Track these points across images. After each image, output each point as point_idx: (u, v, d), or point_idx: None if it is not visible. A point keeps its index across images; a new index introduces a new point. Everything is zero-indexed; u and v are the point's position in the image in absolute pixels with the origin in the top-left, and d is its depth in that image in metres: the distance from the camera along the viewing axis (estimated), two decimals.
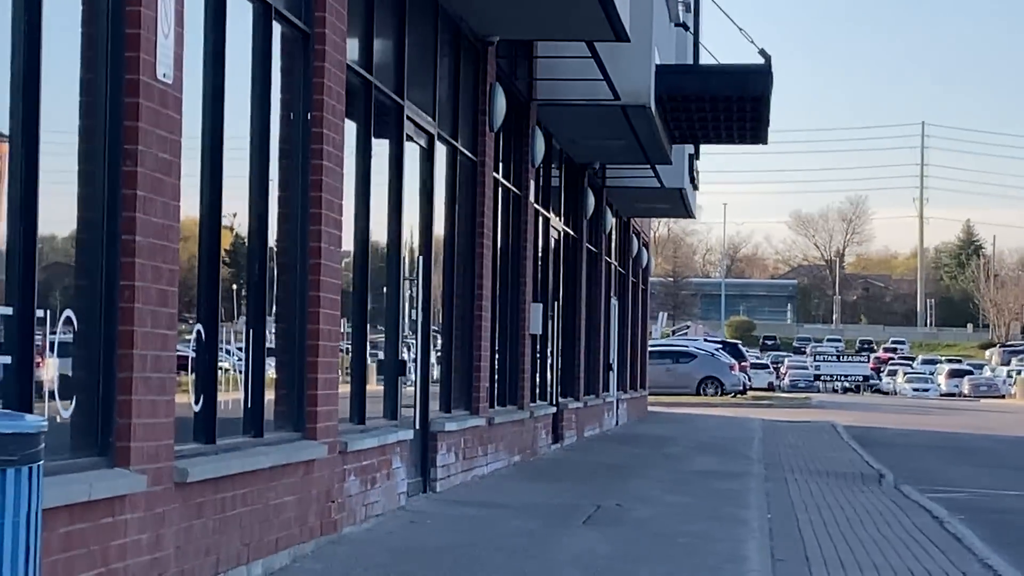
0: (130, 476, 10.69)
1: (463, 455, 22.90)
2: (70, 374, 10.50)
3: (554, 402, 33.20)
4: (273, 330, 14.90)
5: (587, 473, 26.78)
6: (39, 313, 9.75)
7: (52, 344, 10.17)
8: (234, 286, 14.10)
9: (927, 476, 33.58)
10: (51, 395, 10.17)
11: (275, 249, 14.82)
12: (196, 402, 12.70)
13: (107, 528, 10.32)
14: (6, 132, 9.55)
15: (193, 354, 12.68)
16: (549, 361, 32.84)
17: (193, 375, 12.66)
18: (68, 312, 10.43)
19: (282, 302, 15.07)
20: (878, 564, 17.72)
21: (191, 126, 12.21)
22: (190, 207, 12.53)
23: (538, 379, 31.20)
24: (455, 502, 20.30)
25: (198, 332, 12.76)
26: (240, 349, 13.95)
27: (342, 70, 15.87)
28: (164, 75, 11.19)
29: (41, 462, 6.33)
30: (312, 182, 15.27)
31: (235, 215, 13.91)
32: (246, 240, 14.16)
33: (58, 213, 10.43)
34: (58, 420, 10.19)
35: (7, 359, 9.47)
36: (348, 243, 17.06)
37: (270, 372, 14.65)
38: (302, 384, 15.23)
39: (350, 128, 17.02)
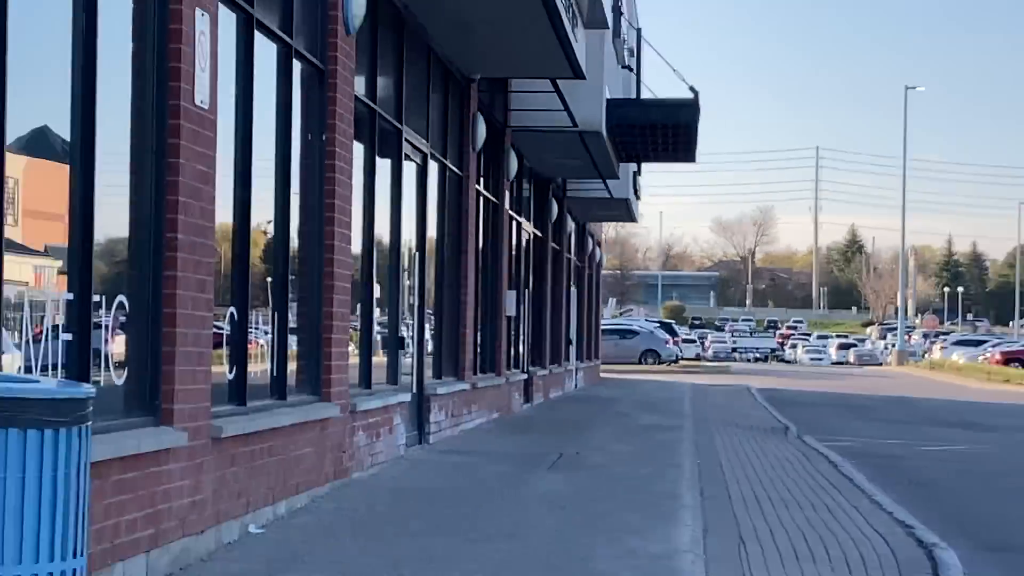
0: (173, 433, 10.58)
1: (451, 413, 22.88)
2: (124, 349, 10.49)
3: (525, 370, 33.41)
4: (295, 312, 14.82)
5: (552, 427, 26.81)
6: (96, 298, 9.71)
7: (108, 324, 10.16)
8: (265, 277, 14.02)
9: (823, 428, 33.63)
10: (107, 367, 10.14)
11: (297, 247, 14.74)
12: (230, 371, 12.62)
13: (154, 476, 10.21)
14: (67, 149, 9.58)
15: (228, 332, 12.60)
16: (521, 337, 32.96)
17: (227, 349, 12.58)
18: (121, 297, 10.38)
19: (303, 290, 14.98)
20: (786, 499, 17.69)
21: (225, 144, 12.07)
22: (225, 213, 12.40)
23: (512, 352, 31.21)
24: (445, 451, 20.27)
25: (231, 314, 12.64)
26: (267, 328, 13.88)
27: (351, 100, 15.76)
28: (201, 102, 11.13)
29: (90, 423, 6.27)
30: (327, 191, 15.17)
31: (268, 222, 13.93)
32: (272, 239, 14.06)
33: (113, 216, 10.30)
34: (113, 387, 10.17)
35: (69, 336, 9.44)
36: (357, 242, 16.91)
37: (292, 347, 14.52)
38: (319, 356, 15.15)
39: (358, 148, 16.83)
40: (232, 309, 12.68)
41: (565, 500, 15.50)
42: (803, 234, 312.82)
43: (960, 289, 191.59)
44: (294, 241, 14.62)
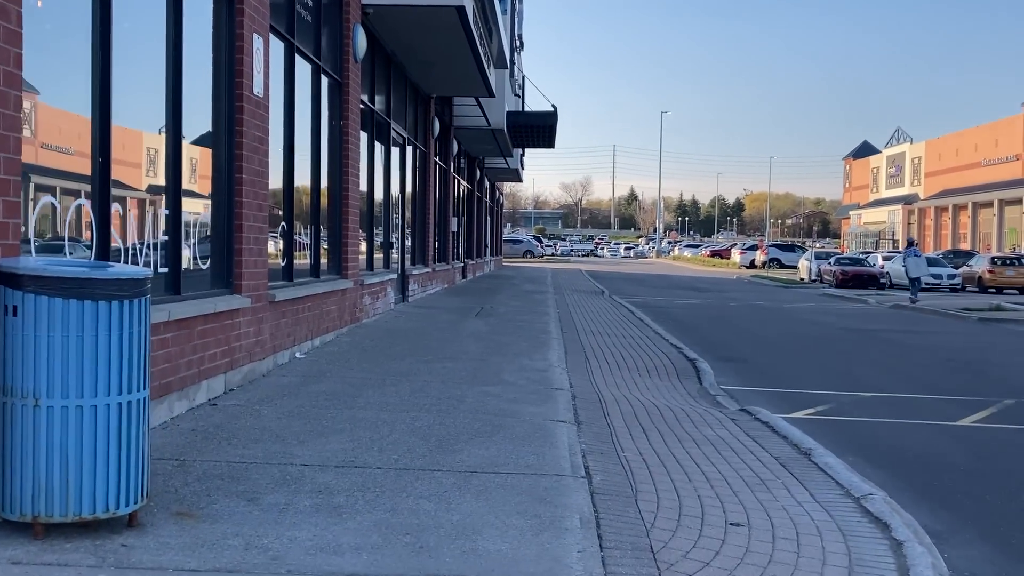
0: (241, 299, 8.84)
1: (421, 284, 21.08)
2: (210, 247, 8.67)
3: (463, 260, 31.39)
4: (326, 227, 13.01)
5: (477, 293, 25.06)
6: (187, 219, 7.93)
7: (195, 234, 8.33)
8: (306, 207, 12.18)
9: (621, 292, 32.28)
10: (196, 259, 8.31)
11: (326, 188, 12.92)
12: (282, 260, 10.80)
13: (228, 326, 8.45)
14: (163, 128, 7.69)
15: (281, 237, 10.84)
16: (461, 243, 30.94)
17: (281, 247, 10.82)
18: (205, 216, 8.59)
19: (330, 214, 13.10)
20: (609, 332, 16.15)
21: (277, 124, 10.26)
22: (278, 166, 10.69)
23: (455, 250, 29.21)
24: (417, 306, 18.48)
25: (283, 227, 10.83)
26: (308, 236, 12.08)
27: (358, 102, 13.81)
28: (257, 92, 9.26)
29: (147, 296, 4.59)
30: (344, 154, 13.19)
31: (316, 179, 12.11)
32: (310, 183, 12.21)
33: (201, 165, 8.54)
34: (202, 271, 8.40)
35: (165, 238, 7.63)
36: (363, 190, 15.20)
37: (324, 247, 12.74)
38: (340, 252, 13.26)
39: (363, 136, 15.16)
40: (283, 224, 10.79)
41: (484, 335, 13.76)
42: (606, 191, 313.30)
43: (686, 219, 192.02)
44: (323, 185, 12.63)
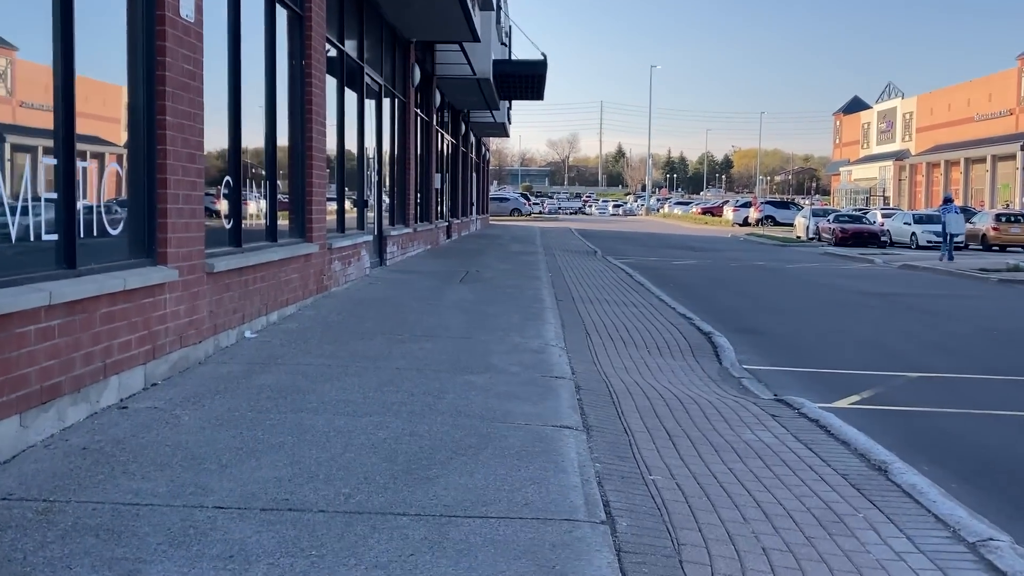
0: (166, 271, 7.15)
1: (400, 246, 19.31)
2: (124, 210, 6.96)
3: (447, 219, 29.58)
4: (287, 181, 11.28)
5: (462, 254, 23.30)
6: (90, 172, 6.16)
7: (102, 192, 6.55)
8: (258, 161, 10.41)
9: (614, 252, 30.65)
10: (102, 222, 6.54)
11: (287, 135, 11.14)
12: (228, 222, 9.10)
13: (149, 305, 6.78)
14: (49, 61, 5.92)
15: (226, 195, 9.09)
16: (445, 201, 29.12)
17: (226, 207, 9.07)
18: (114, 166, 6.81)
19: (291, 171, 11.38)
20: (608, 300, 14.46)
21: (217, 58, 8.54)
22: (220, 110, 8.95)
23: (439, 209, 27.46)
24: (395, 271, 16.75)
25: (227, 181, 9.10)
26: (263, 195, 10.32)
27: (323, 42, 12.03)
28: (186, 15, 7.43)
29: None
30: (306, 98, 11.33)
31: (260, 106, 10.37)
32: (265, 129, 10.42)
33: (111, 104, 6.81)
34: (110, 237, 6.61)
35: (53, 195, 5.87)
36: (332, 143, 13.44)
37: (284, 206, 11.04)
38: (303, 211, 11.53)
39: (331, 83, 13.36)
40: (228, 179, 9.02)
41: (469, 305, 12.04)
42: (594, 148, 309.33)
43: (674, 176, 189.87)
44: (282, 131, 10.74)
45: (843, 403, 8.28)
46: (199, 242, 7.67)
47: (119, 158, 6.73)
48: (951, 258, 28.27)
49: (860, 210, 52.83)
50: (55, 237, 5.77)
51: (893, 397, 8.63)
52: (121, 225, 6.62)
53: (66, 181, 5.83)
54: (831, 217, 42.39)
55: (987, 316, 15.13)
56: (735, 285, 19.88)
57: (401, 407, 6.24)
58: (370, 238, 15.94)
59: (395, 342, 8.86)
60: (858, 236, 39.39)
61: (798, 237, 45.26)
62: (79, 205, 5.97)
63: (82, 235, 6.02)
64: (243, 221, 9.22)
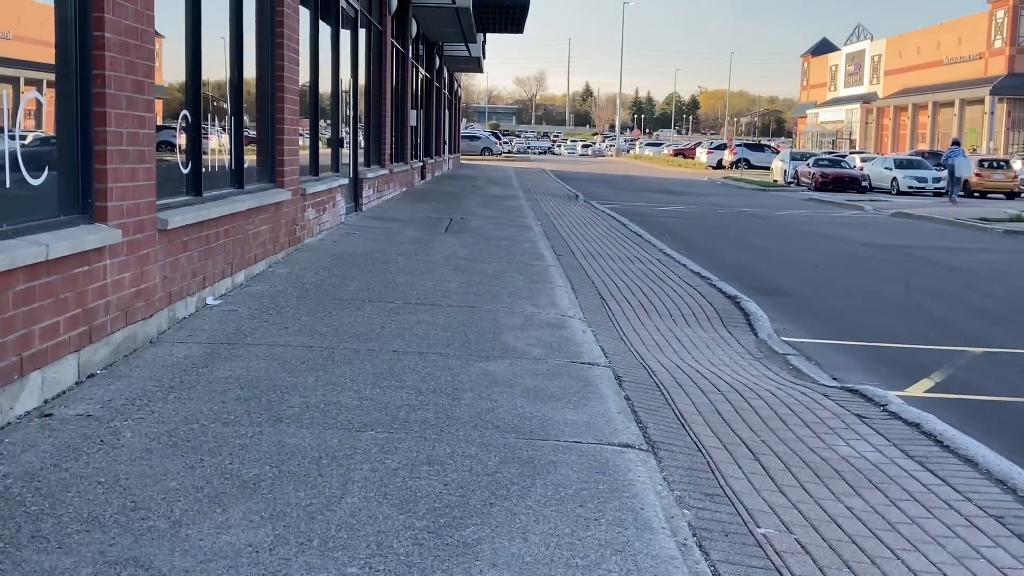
0: (106, 230, 5.59)
1: (376, 189, 17.73)
2: (47, 150, 5.43)
3: (421, 159, 27.87)
4: (253, 119, 9.68)
5: (440, 197, 21.72)
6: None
7: (15, 130, 4.99)
8: (222, 91, 8.82)
9: (597, 196, 29.22)
10: (18, 167, 5.02)
11: (254, 62, 9.53)
12: (185, 167, 7.49)
13: (80, 277, 5.21)
14: None
15: (182, 133, 7.54)
16: (419, 139, 27.46)
17: (184, 147, 7.49)
18: (35, 95, 5.27)
19: (260, 100, 9.70)
20: (609, 254, 13.04)
21: None
22: (177, 34, 7.35)
23: (413, 148, 25.84)
24: (373, 217, 15.18)
25: (184, 116, 7.49)
26: (228, 133, 8.75)
27: None
28: None
29: None
30: (276, 21, 9.87)
31: (222, 37, 8.74)
32: (228, 56, 8.80)
33: (29, 20, 5.24)
34: (31, 188, 5.04)
35: None
36: (305, 75, 11.80)
37: (250, 146, 9.47)
38: (273, 152, 9.93)
39: (304, 14, 11.71)
40: (185, 112, 7.44)
41: (463, 262, 10.53)
42: (561, 86, 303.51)
43: (641, 116, 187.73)
44: (249, 59, 9.08)
45: (916, 391, 6.97)
46: (149, 192, 6.12)
47: (41, 86, 5.16)
48: (955, 200, 27.62)
49: (832, 152, 51.60)
50: None
51: (970, 381, 7.33)
52: (44, 173, 5.06)
53: None
54: (811, 161, 41.10)
55: (1017, 274, 13.90)
56: (732, 235, 18.52)
57: (410, 414, 4.80)
58: (345, 181, 14.35)
59: (387, 312, 7.39)
60: (839, 181, 38.16)
61: (775, 181, 43.97)
62: None
63: None
64: (204, 165, 7.66)
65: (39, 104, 5.06)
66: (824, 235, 19.26)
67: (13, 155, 4.71)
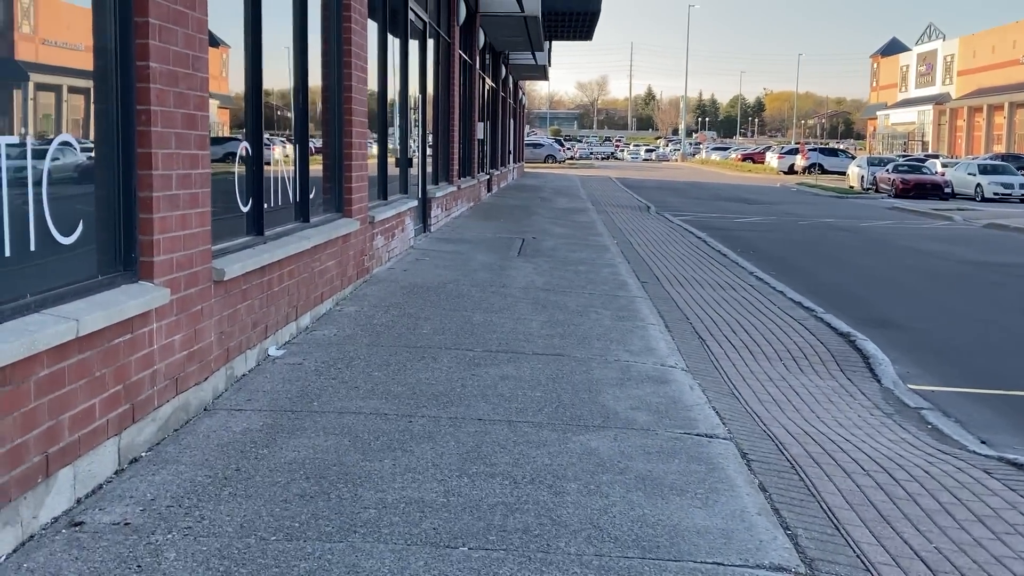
0: (152, 290, 4.88)
1: (444, 208, 16.96)
2: (84, 203, 4.68)
3: (488, 172, 27.16)
4: (321, 145, 8.99)
5: (508, 213, 20.90)
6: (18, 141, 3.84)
7: (43, 177, 4.09)
8: (282, 114, 8.09)
9: (668, 206, 28.24)
10: (47, 227, 4.22)
11: (320, 87, 8.82)
12: (245, 203, 6.80)
13: (120, 348, 4.36)
14: None
15: (242, 160, 6.82)
16: (485, 151, 26.73)
17: (244, 179, 6.70)
18: (67, 138, 4.40)
19: (326, 124, 9.04)
20: (696, 279, 12.09)
21: None
22: (235, 55, 6.64)
23: (481, 161, 25.14)
24: (442, 239, 14.39)
25: (245, 150, 6.80)
26: (292, 160, 8.00)
27: None
28: None
29: None
30: (344, 38, 8.89)
31: (286, 47, 8.00)
32: (293, 80, 8.09)
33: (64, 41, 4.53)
34: (60, 248, 4.12)
35: None
36: (372, 91, 11.05)
37: (315, 174, 8.73)
38: (340, 180, 9.20)
39: (372, 28, 10.96)
40: (246, 145, 6.73)
41: (541, 293, 9.64)
42: (623, 90, 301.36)
43: (705, 119, 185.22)
44: (314, 77, 8.31)
45: None
46: (203, 240, 5.38)
47: (76, 126, 4.43)
48: None
49: (907, 156, 49.82)
50: None
51: None
52: (79, 229, 4.32)
53: None
54: (890, 167, 39.56)
55: None
56: (822, 251, 17.42)
57: (507, 519, 3.95)
58: (414, 203, 13.57)
59: (467, 364, 6.57)
60: (920, 187, 36.64)
61: (851, 188, 42.45)
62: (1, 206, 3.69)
63: (7, 251, 3.74)
64: (265, 199, 6.91)
65: (70, 148, 4.33)
66: (919, 251, 18.06)
67: (40, 211, 3.97)
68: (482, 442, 4.95)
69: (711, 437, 5.23)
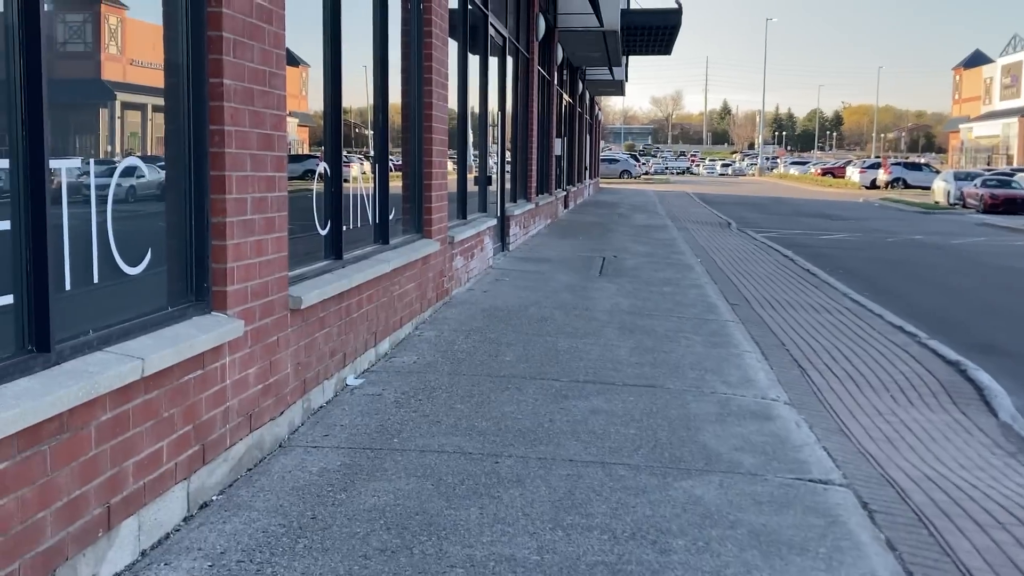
0: (226, 322, 4.56)
1: (522, 226, 16.60)
2: (154, 234, 4.40)
3: (564, 188, 26.74)
4: (400, 164, 8.69)
5: (586, 230, 20.45)
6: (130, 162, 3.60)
7: (107, 204, 3.88)
8: (364, 136, 7.79)
9: (748, 222, 27.45)
10: (112, 252, 3.77)
11: (399, 105, 8.53)
12: (323, 226, 6.50)
13: (190, 386, 4.06)
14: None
15: (322, 184, 6.52)
16: (562, 168, 26.33)
17: (323, 201, 6.42)
18: (135, 161, 4.15)
19: (406, 143, 8.75)
20: (787, 300, 11.51)
21: (307, 5, 5.96)
22: (313, 70, 6.35)
23: (558, 178, 24.75)
24: (521, 259, 14.02)
25: (324, 170, 6.52)
26: (371, 179, 7.70)
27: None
28: None
29: None
30: (424, 55, 8.56)
31: (365, 65, 7.70)
32: (374, 99, 7.80)
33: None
34: (126, 279, 3.85)
35: (3, 224, 3.39)
36: (453, 104, 10.73)
37: (395, 192, 8.42)
38: (420, 200, 8.90)
39: (453, 46, 10.65)
40: (324, 166, 6.44)
41: (627, 317, 9.19)
42: (698, 104, 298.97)
43: (782, 133, 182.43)
44: (394, 95, 7.95)
45: None
46: (280, 266, 5.06)
47: (143, 147, 4.14)
48: None
49: (991, 170, 48.10)
50: (9, 300, 3.20)
51: None
52: (147, 258, 4.02)
53: (33, 197, 3.23)
54: (978, 182, 38.19)
55: None
56: (915, 271, 16.64)
57: None
58: (493, 222, 13.24)
59: (553, 396, 6.15)
60: (1010, 203, 35.27)
61: (936, 203, 41.09)
62: (61, 234, 3.38)
63: (69, 285, 3.44)
64: (344, 221, 6.60)
65: (137, 171, 4.03)
66: (1015, 269, 17.16)
67: (104, 239, 3.67)
68: (575, 487, 4.53)
69: (826, 484, 4.74)
